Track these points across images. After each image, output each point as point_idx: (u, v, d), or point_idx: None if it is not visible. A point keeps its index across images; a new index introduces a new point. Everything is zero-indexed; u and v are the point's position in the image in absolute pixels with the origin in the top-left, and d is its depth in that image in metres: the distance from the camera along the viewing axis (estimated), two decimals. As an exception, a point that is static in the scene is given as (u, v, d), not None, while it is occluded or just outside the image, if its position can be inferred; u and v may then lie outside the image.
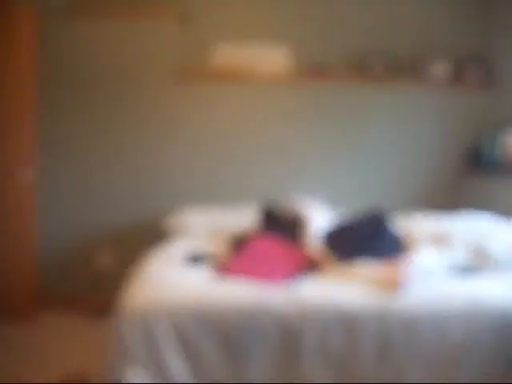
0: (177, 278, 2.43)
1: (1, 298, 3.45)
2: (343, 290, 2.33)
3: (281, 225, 3.13)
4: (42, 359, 2.89)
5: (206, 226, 3.35)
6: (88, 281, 3.71)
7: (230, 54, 3.54)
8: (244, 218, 3.34)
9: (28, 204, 3.52)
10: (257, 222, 3.26)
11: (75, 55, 3.58)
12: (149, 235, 3.51)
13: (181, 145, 3.65)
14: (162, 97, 3.60)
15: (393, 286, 2.34)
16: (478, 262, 2.68)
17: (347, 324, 2.20)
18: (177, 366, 2.17)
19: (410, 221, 3.20)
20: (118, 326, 2.19)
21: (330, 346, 2.19)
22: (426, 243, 2.95)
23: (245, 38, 3.55)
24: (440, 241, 2.97)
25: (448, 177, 3.64)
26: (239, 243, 2.90)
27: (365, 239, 2.80)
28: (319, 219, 3.16)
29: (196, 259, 2.72)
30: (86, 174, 3.66)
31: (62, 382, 2.61)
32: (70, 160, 3.66)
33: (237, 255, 2.68)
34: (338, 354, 2.19)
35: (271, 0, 3.57)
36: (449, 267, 2.61)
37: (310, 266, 2.62)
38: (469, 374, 2.22)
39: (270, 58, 3.55)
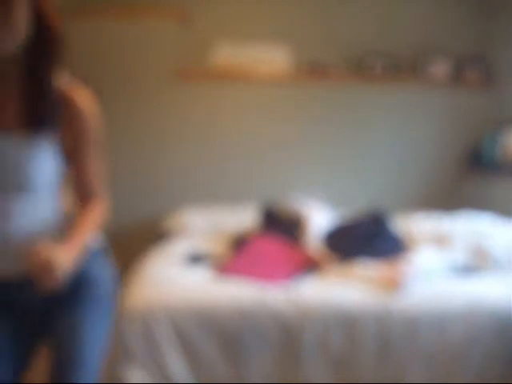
0: (177, 278, 2.43)
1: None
2: (343, 289, 2.33)
3: (281, 225, 3.13)
4: (41, 359, 2.88)
5: (206, 225, 3.35)
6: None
7: (230, 54, 3.54)
8: (244, 218, 3.34)
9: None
10: (257, 222, 3.26)
11: (75, 55, 3.58)
12: (149, 235, 3.51)
13: (181, 145, 3.65)
14: (161, 97, 3.60)
15: (393, 285, 2.34)
16: (478, 262, 2.68)
17: (347, 324, 2.20)
18: (177, 366, 2.17)
19: (409, 221, 3.20)
20: (118, 326, 2.19)
21: (330, 345, 2.19)
22: (426, 243, 2.95)
23: (245, 37, 3.55)
24: (440, 241, 2.97)
25: (448, 177, 3.64)
26: (239, 243, 2.90)
27: (365, 239, 2.80)
28: (319, 219, 3.16)
29: (196, 259, 2.72)
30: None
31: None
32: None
33: (237, 255, 2.68)
34: (338, 354, 2.20)
35: (271, 0, 3.57)
36: (449, 267, 2.61)
37: (309, 266, 2.62)
38: (469, 374, 2.22)
39: (270, 58, 3.55)
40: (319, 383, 2.19)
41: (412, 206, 3.56)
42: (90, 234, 1.40)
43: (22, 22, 1.25)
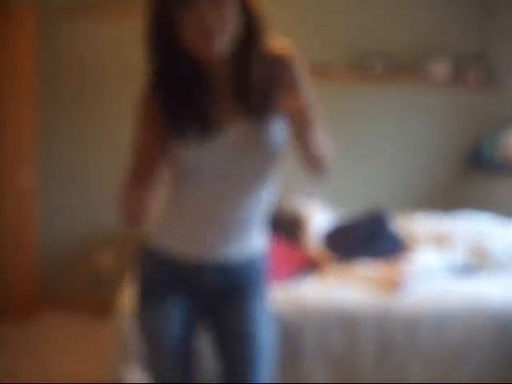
0: (177, 278, 2.43)
1: (1, 298, 3.45)
2: (343, 290, 2.33)
3: (281, 225, 3.13)
4: (41, 359, 2.89)
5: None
6: (88, 281, 3.70)
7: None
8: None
9: (28, 204, 3.52)
10: (257, 222, 3.25)
11: (75, 56, 3.57)
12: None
13: (181, 145, 3.64)
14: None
15: (393, 285, 2.34)
16: (478, 262, 2.69)
17: (347, 324, 2.20)
18: (177, 366, 2.17)
19: (409, 221, 3.20)
20: (117, 326, 2.19)
21: (330, 345, 2.19)
22: (426, 243, 2.95)
23: (245, 37, 3.54)
24: (440, 241, 2.97)
25: (448, 177, 3.64)
26: (239, 243, 2.89)
27: (365, 239, 2.80)
28: (319, 219, 3.16)
29: (196, 259, 2.72)
30: (86, 174, 3.65)
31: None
32: (70, 160, 3.65)
33: (237, 255, 2.68)
34: (338, 354, 2.19)
35: (271, 0, 3.56)
36: (449, 267, 2.61)
37: (310, 265, 2.62)
38: (469, 374, 2.22)
39: (269, 58, 3.55)
40: (319, 383, 2.19)
41: (412, 206, 3.56)
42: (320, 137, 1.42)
43: (233, 20, 1.26)
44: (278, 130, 1.38)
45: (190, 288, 1.46)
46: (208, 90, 1.34)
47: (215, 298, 1.48)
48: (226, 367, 1.50)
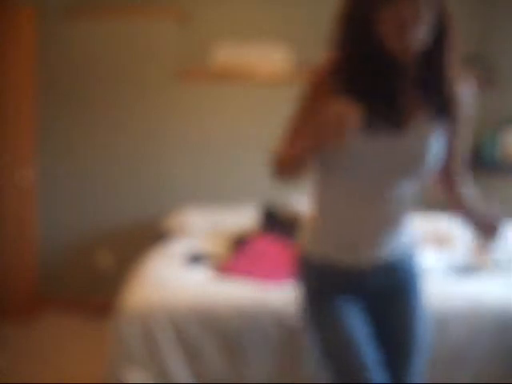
0: (177, 278, 2.43)
1: (1, 298, 3.45)
2: (343, 289, 2.33)
3: (281, 225, 3.13)
4: (41, 359, 2.89)
5: (205, 225, 3.35)
6: (88, 281, 3.71)
7: (230, 54, 3.54)
8: (244, 218, 3.34)
9: (28, 204, 3.52)
10: (257, 223, 3.26)
11: (75, 55, 3.58)
12: (149, 235, 3.51)
13: (181, 145, 3.65)
14: (161, 97, 3.60)
15: (393, 285, 2.33)
16: (478, 262, 2.68)
17: (347, 324, 2.20)
18: (177, 366, 2.17)
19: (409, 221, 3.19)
20: (118, 326, 2.19)
21: (330, 345, 2.19)
22: (426, 243, 2.95)
23: (245, 37, 3.55)
24: (440, 241, 2.97)
25: (448, 177, 3.64)
26: (239, 243, 2.90)
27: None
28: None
29: (196, 259, 2.72)
30: (86, 174, 3.66)
31: None
32: (70, 160, 3.65)
33: (237, 255, 2.68)
34: (338, 354, 2.19)
35: (271, 0, 3.57)
36: (449, 267, 2.61)
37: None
38: (469, 374, 2.22)
39: (269, 58, 3.55)
40: (319, 383, 2.19)
41: (412, 206, 3.55)
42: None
43: (428, 20, 1.27)
44: (441, 141, 1.42)
45: (355, 291, 1.48)
46: (397, 83, 1.35)
47: (379, 297, 1.50)
48: (386, 361, 1.49)
